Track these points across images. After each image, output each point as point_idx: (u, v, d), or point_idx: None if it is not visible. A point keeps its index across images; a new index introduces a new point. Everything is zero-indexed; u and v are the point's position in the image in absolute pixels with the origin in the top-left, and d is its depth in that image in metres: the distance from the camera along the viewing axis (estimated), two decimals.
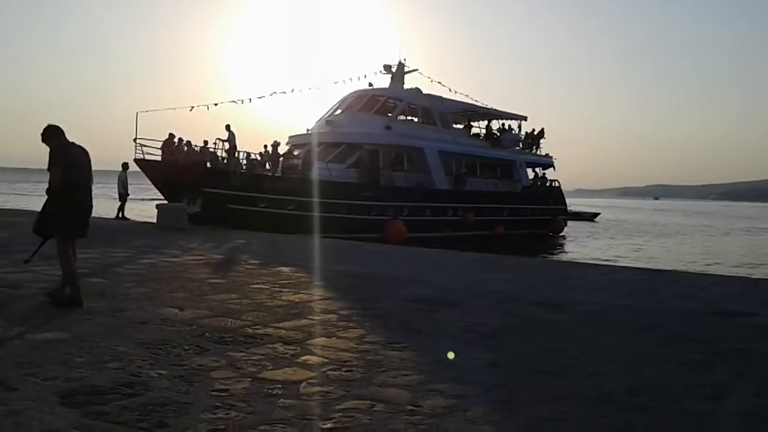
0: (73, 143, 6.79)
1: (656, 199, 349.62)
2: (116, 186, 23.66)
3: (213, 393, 4.07)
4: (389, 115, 31.13)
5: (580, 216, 61.26)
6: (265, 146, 26.64)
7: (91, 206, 6.93)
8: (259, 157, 26.28)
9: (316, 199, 24.33)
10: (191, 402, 3.88)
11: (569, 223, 43.00)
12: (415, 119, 33.16)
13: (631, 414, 4.03)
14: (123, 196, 23.21)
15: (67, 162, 6.56)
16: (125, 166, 23.13)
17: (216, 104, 28.78)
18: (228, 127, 25.16)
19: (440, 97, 34.01)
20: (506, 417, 3.87)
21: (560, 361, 5.31)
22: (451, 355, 4.09)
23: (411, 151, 30.73)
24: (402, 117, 32.36)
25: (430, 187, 30.64)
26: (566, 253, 30.11)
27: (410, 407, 3.96)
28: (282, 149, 27.36)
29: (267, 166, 26.15)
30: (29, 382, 4.10)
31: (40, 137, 6.69)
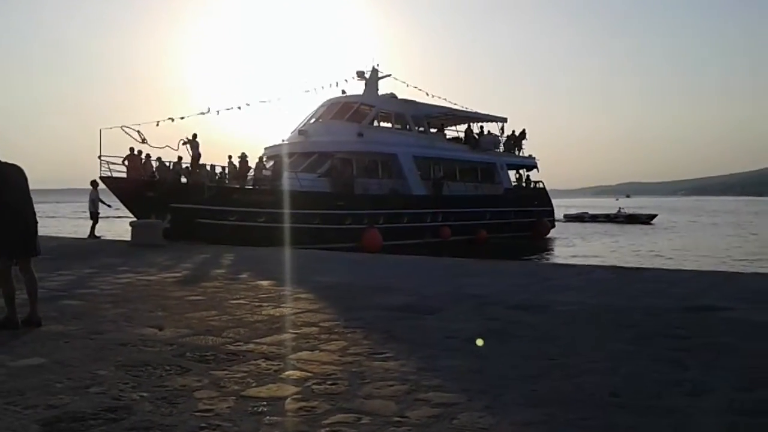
0: (5, 163, 6.66)
1: (627, 197, 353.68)
2: (87, 205, 23.37)
3: (197, 414, 4.04)
4: (362, 122, 31.06)
5: (635, 219, 58.70)
6: (230, 157, 26.44)
7: (30, 224, 6.76)
8: (221, 170, 26.08)
9: (287, 210, 24.25)
10: (175, 424, 3.84)
11: (558, 225, 42.77)
12: (389, 125, 33.13)
13: (614, 413, 4.07)
14: (94, 215, 22.87)
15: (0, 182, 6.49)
16: (94, 184, 22.80)
17: (182, 117, 28.51)
18: (194, 136, 25.06)
19: (414, 102, 33.83)
20: (493, 423, 3.89)
21: (542, 363, 5.35)
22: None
23: (385, 157, 30.63)
24: (375, 124, 32.31)
25: (406, 193, 30.54)
26: (554, 255, 30.12)
27: (397, 418, 3.96)
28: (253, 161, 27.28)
29: (230, 179, 25.96)
30: (9, 411, 4.04)
31: None
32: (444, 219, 31.45)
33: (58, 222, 56.12)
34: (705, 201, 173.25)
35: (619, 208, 67.67)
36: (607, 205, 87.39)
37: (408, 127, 32.93)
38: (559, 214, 46.29)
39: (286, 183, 25.78)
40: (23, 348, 5.77)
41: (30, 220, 6.78)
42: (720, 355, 5.70)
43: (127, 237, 20.76)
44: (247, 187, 25.94)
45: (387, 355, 5.61)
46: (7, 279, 6.66)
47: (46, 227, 43.61)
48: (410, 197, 30.51)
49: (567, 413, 4.07)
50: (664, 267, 19.29)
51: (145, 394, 4.42)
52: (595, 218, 62.37)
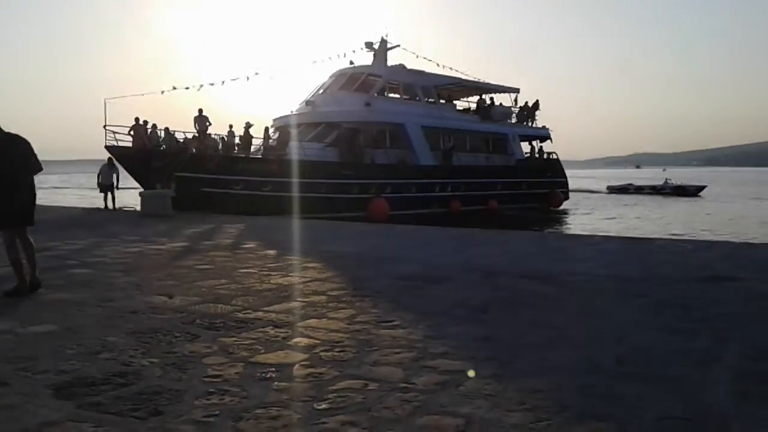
0: (7, 134, 6.70)
1: (638, 167, 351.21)
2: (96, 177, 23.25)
3: (206, 379, 4.08)
4: (369, 92, 30.90)
5: (683, 191, 55.71)
6: (230, 126, 26.39)
7: (28, 196, 6.81)
8: (219, 139, 26.10)
9: (293, 180, 24.26)
10: (185, 389, 3.89)
11: (572, 195, 42.19)
12: (398, 96, 32.94)
13: (621, 382, 4.08)
14: (105, 187, 22.76)
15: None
16: (108, 160, 22.79)
17: (187, 88, 28.52)
18: (200, 111, 25.09)
19: (423, 72, 33.58)
20: (499, 390, 3.91)
21: (549, 332, 5.37)
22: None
23: (392, 127, 30.49)
24: (384, 94, 32.13)
25: (413, 163, 30.44)
26: (567, 226, 29.99)
27: (403, 385, 3.99)
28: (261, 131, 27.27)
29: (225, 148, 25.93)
30: (21, 376, 4.09)
31: None
32: (453, 189, 31.32)
33: (70, 192, 56.40)
34: (721, 172, 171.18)
35: (666, 179, 63.66)
36: (631, 176, 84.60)
37: (417, 97, 32.72)
38: (572, 184, 45.55)
39: (292, 152, 25.75)
40: (34, 315, 5.83)
41: (27, 191, 6.82)
42: (731, 324, 5.69)
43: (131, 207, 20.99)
44: (252, 156, 25.92)
45: (394, 323, 5.64)
46: (13, 248, 6.79)
47: (56, 197, 43.89)
48: (418, 167, 30.39)
49: (574, 381, 4.09)
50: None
51: (154, 360, 4.47)
52: (640, 189, 60.21)
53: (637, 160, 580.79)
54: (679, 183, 59.21)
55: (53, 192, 55.97)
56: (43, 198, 37.97)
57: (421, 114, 31.60)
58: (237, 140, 26.36)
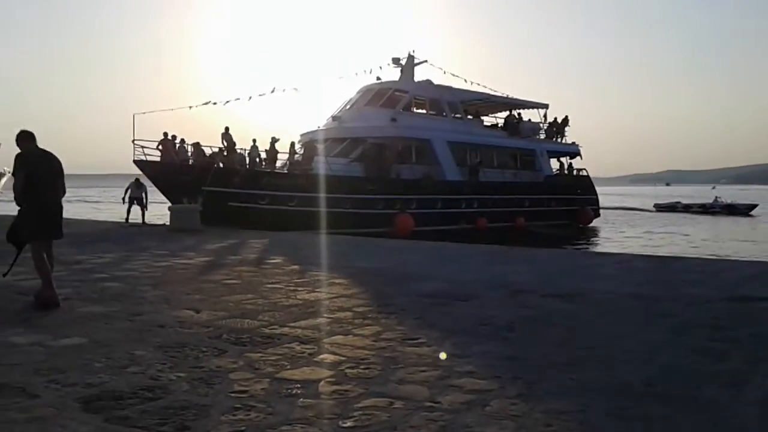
0: (41, 149, 7.03)
1: (667, 185, 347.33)
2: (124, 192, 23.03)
3: (232, 394, 4.09)
4: (395, 108, 30.86)
5: (734, 209, 53.45)
6: (254, 140, 26.61)
7: (57, 209, 7.12)
8: (247, 154, 26.28)
9: (318, 195, 24.35)
10: (211, 404, 3.90)
11: (617, 214, 40.82)
12: (424, 111, 32.91)
13: (651, 403, 4.01)
14: (132, 201, 22.36)
15: (29, 168, 6.82)
16: (136, 180, 22.76)
17: (215, 103, 28.80)
18: (227, 129, 25.41)
19: (450, 88, 33.47)
20: (526, 410, 3.87)
21: (576, 352, 5.30)
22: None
23: (418, 142, 30.41)
24: (410, 109, 32.12)
25: (439, 178, 30.32)
26: (595, 244, 29.51)
27: (429, 404, 3.97)
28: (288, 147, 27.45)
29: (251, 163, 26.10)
30: (51, 389, 4.14)
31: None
32: (480, 205, 31.10)
33: (104, 206, 57.14)
34: (755, 190, 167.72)
35: (716, 197, 61.51)
36: (659, 194, 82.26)
37: (444, 112, 32.67)
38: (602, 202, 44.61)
39: (318, 167, 25.88)
40: (64, 328, 5.89)
41: (57, 206, 7.11)
42: (760, 346, 5.58)
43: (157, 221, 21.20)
44: (277, 171, 26.07)
45: (420, 340, 5.61)
46: (43, 261, 6.97)
47: (87, 211, 44.49)
48: (444, 183, 30.27)
49: (602, 403, 4.03)
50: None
51: (182, 375, 4.49)
52: (688, 208, 58.16)
53: (665, 178, 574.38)
54: (729, 201, 57.13)
55: (85, 206, 56.80)
56: (76, 212, 38.40)
57: (447, 129, 31.52)
58: (263, 155, 26.54)
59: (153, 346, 5.29)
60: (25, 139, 6.97)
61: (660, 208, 59.63)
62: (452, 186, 30.49)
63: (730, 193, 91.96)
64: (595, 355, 5.21)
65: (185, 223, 18.70)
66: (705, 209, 56.09)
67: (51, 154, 7.13)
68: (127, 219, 22.08)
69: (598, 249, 26.63)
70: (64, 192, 7.32)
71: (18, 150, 6.94)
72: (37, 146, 7.03)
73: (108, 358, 4.90)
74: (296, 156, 27.06)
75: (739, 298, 7.96)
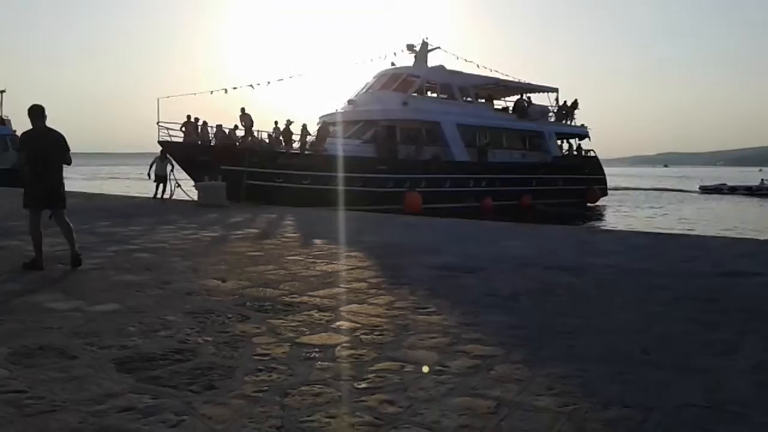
0: (42, 127, 7.25)
1: (665, 166, 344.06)
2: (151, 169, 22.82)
3: (255, 357, 4.14)
4: (407, 92, 30.69)
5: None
6: (276, 123, 26.61)
7: (53, 182, 7.33)
8: (267, 137, 26.29)
9: (330, 174, 24.46)
10: (236, 366, 3.95)
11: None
12: (435, 95, 32.77)
13: (647, 370, 4.02)
14: (159, 178, 21.88)
15: (27, 148, 7.19)
16: (161, 153, 22.37)
17: (234, 88, 28.88)
18: (243, 110, 25.45)
19: (461, 73, 33.25)
20: (529, 375, 3.89)
21: (577, 321, 5.30)
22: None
23: (428, 125, 30.30)
24: (422, 93, 31.99)
25: (448, 159, 30.26)
26: (600, 221, 29.25)
27: (438, 367, 3.99)
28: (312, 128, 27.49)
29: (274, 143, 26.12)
30: (87, 351, 4.20)
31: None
32: (487, 184, 31.05)
33: (134, 183, 57.50)
34: (749, 171, 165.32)
35: (762, 179, 56.43)
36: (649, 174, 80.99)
37: (454, 96, 32.50)
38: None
39: (330, 148, 25.97)
40: (100, 295, 5.96)
41: (51, 180, 7.30)
42: (751, 317, 5.56)
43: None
44: (292, 151, 26.12)
45: (430, 309, 5.63)
46: (36, 227, 7.25)
47: (121, 187, 44.80)
48: (452, 163, 30.20)
49: (601, 368, 4.03)
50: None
51: (208, 339, 4.54)
52: (734, 190, 54.12)
53: (664, 160, 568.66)
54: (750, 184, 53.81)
55: (118, 182, 57.19)
56: (109, 188, 38.63)
57: (457, 113, 31.37)
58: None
59: (182, 312, 5.34)
60: (32, 115, 7.24)
61: (705, 190, 55.48)
62: (460, 166, 30.40)
63: (731, 175, 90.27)
64: (595, 325, 5.21)
65: (213, 199, 18.79)
66: (752, 192, 52.49)
67: (50, 131, 7.31)
68: (155, 195, 21.90)
69: (608, 227, 26.43)
70: (67, 164, 7.46)
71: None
72: (42, 123, 7.25)
73: (140, 322, 4.96)
74: (308, 137, 27.08)
75: (730, 273, 7.91)
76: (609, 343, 4.65)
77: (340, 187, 23.97)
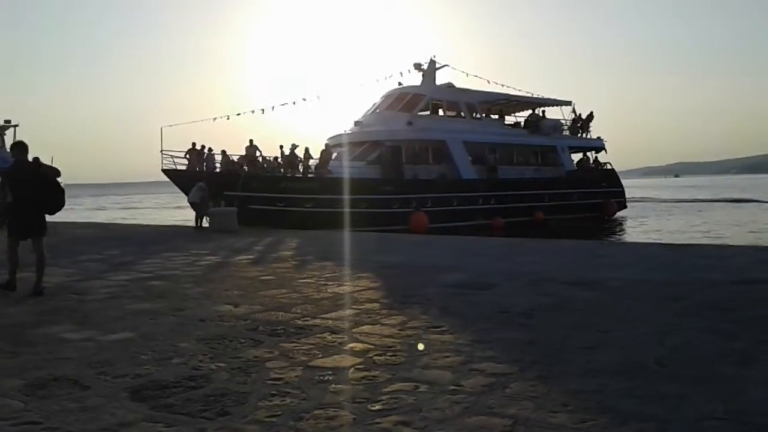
0: (23, 162, 7.64)
1: (676, 176, 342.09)
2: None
3: (269, 382, 4.12)
4: (413, 111, 30.27)
5: None
6: (281, 146, 26.70)
7: (29, 214, 7.65)
8: (274, 160, 26.46)
9: (333, 196, 24.50)
10: (249, 391, 3.93)
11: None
12: (442, 113, 32.68)
13: (665, 383, 3.96)
14: (194, 206, 21.06)
15: (8, 182, 7.62)
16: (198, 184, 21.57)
17: (238, 114, 29.05)
18: (251, 142, 25.76)
19: (468, 90, 32.96)
20: (545, 391, 3.84)
21: (593, 335, 5.25)
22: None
23: (435, 144, 30.12)
24: (429, 112, 31.90)
25: (455, 178, 30.03)
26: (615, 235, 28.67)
27: (452, 387, 3.96)
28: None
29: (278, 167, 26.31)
30: (101, 380, 4.19)
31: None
32: (497, 202, 30.66)
33: (150, 211, 57.87)
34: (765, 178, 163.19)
35: None
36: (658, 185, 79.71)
37: (461, 114, 32.41)
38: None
39: (335, 170, 26.05)
40: (113, 324, 5.97)
41: (29, 212, 7.63)
42: None
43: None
44: (293, 175, 26.17)
45: (443, 328, 5.60)
46: (14, 252, 7.70)
47: (133, 216, 45.07)
48: (458, 181, 29.96)
49: (618, 383, 3.98)
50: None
51: (221, 365, 4.53)
52: None
53: (675, 170, 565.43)
54: None
55: (132, 211, 57.57)
56: (123, 217, 38.86)
57: (464, 130, 31.17)
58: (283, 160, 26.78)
59: (195, 338, 5.34)
60: (15, 149, 7.74)
61: None
62: (467, 184, 30.04)
63: (744, 183, 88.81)
64: (611, 338, 5.15)
65: (224, 224, 18.87)
66: None
67: (29, 166, 7.67)
68: (196, 224, 20.87)
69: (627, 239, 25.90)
70: (46, 195, 7.66)
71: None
72: (24, 157, 7.64)
73: (153, 350, 4.95)
74: (311, 161, 27.13)
75: (746, 281, 7.82)
76: (625, 356, 4.60)
77: (345, 210, 24.01)
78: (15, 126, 39.20)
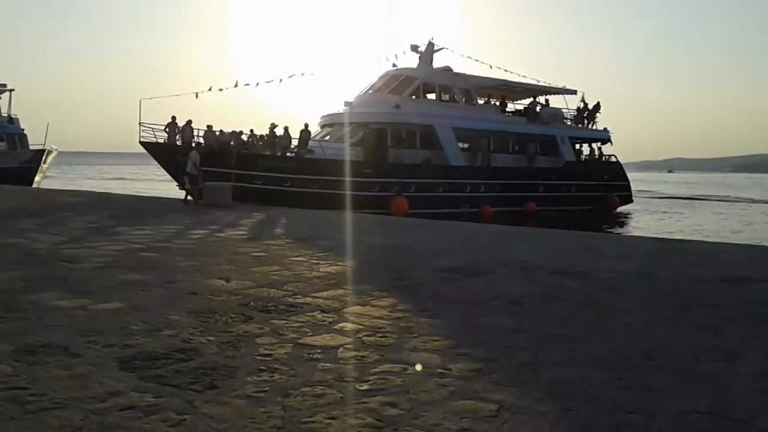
0: None
1: (669, 171, 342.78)
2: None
3: (258, 357, 4.14)
4: (402, 94, 29.79)
5: None
6: (251, 130, 26.64)
7: None
8: (259, 139, 26.46)
9: (312, 177, 24.64)
10: (238, 366, 3.95)
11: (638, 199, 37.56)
12: (434, 97, 32.03)
13: (650, 375, 4.01)
14: (194, 178, 19.78)
15: None
16: (198, 147, 21.35)
17: (221, 89, 28.12)
18: (241, 132, 25.89)
19: (462, 74, 32.37)
20: (530, 379, 3.88)
21: (580, 326, 5.29)
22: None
23: (422, 128, 29.50)
24: (420, 96, 31.31)
25: (442, 163, 29.70)
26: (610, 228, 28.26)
27: (440, 370, 3.99)
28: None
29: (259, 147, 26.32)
30: (91, 349, 4.21)
31: None
32: (487, 189, 30.14)
33: (140, 183, 57.68)
34: (758, 177, 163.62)
35: None
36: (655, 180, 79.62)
37: (454, 99, 31.90)
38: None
39: (317, 151, 26.17)
40: (103, 294, 5.98)
41: None
42: (756, 323, 5.54)
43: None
44: (271, 154, 26.07)
45: (433, 312, 5.63)
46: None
47: (125, 186, 44.92)
48: (446, 167, 29.45)
49: (603, 373, 4.02)
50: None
51: (211, 338, 4.55)
52: None
53: (671, 165, 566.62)
54: None
55: (124, 182, 57.37)
56: (115, 187, 38.76)
57: (454, 116, 30.43)
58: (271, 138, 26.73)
59: (185, 311, 5.36)
60: None
61: None
62: (454, 170, 29.49)
63: (738, 181, 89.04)
64: (598, 329, 5.20)
65: (217, 199, 18.83)
66: None
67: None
68: (185, 197, 20.27)
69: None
70: None
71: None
72: None
73: (144, 321, 4.97)
74: (292, 140, 26.95)
75: (735, 279, 7.88)
76: (612, 348, 4.64)
77: (323, 191, 24.09)
78: (11, 90, 38.88)
